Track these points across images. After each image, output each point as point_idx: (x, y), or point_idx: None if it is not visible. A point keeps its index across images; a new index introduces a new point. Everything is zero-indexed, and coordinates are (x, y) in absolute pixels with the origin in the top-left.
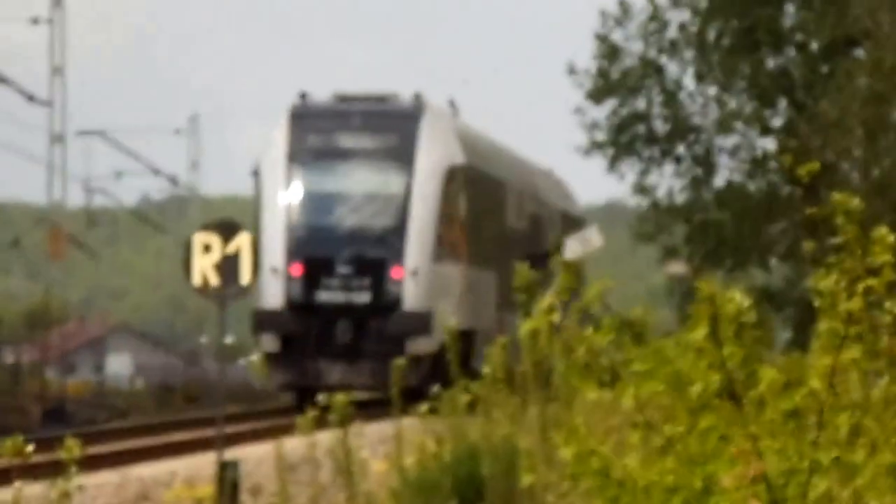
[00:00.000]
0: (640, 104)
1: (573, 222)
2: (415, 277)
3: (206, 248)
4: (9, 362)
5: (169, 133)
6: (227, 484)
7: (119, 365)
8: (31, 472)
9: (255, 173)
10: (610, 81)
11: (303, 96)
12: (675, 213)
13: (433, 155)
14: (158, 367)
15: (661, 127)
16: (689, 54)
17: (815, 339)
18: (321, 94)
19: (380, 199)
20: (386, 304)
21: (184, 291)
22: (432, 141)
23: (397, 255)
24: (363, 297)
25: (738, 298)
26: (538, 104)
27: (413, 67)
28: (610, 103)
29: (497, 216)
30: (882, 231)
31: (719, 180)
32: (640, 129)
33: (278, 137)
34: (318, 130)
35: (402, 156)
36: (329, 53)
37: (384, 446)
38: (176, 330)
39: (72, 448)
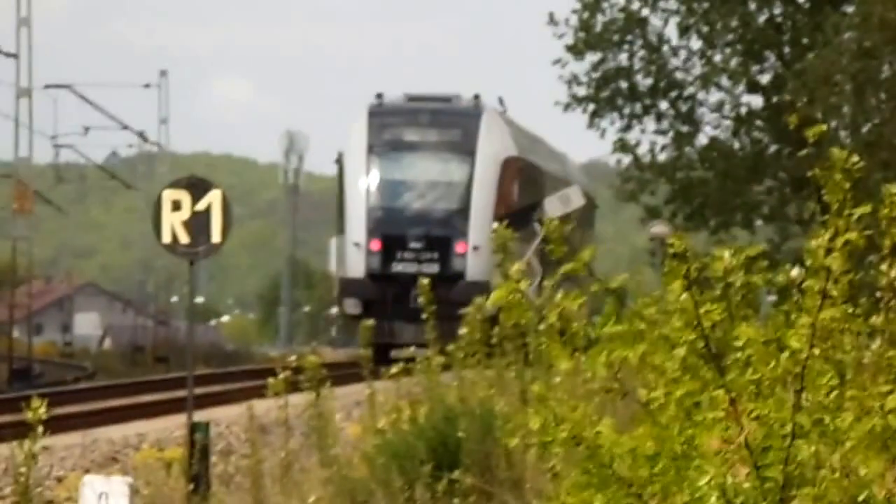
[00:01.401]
0: (622, 58)
1: (588, 200)
2: (476, 252)
3: (176, 206)
4: None
5: (138, 89)
6: (198, 446)
7: (87, 325)
8: (0, 432)
9: (338, 162)
10: (591, 34)
11: (379, 96)
12: (657, 170)
13: (491, 148)
14: (127, 328)
15: (643, 82)
16: (673, 4)
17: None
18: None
19: (446, 186)
20: (451, 274)
21: (154, 250)
22: (490, 136)
23: (461, 234)
24: (432, 269)
25: (725, 257)
26: (516, 55)
27: (392, 15)
28: (591, 57)
29: (539, 198)
30: (892, 188)
31: (703, 138)
32: (622, 84)
33: (358, 131)
34: (392, 126)
35: (465, 148)
36: (300, 7)
37: (358, 409)
38: (145, 290)
39: (37, 409)
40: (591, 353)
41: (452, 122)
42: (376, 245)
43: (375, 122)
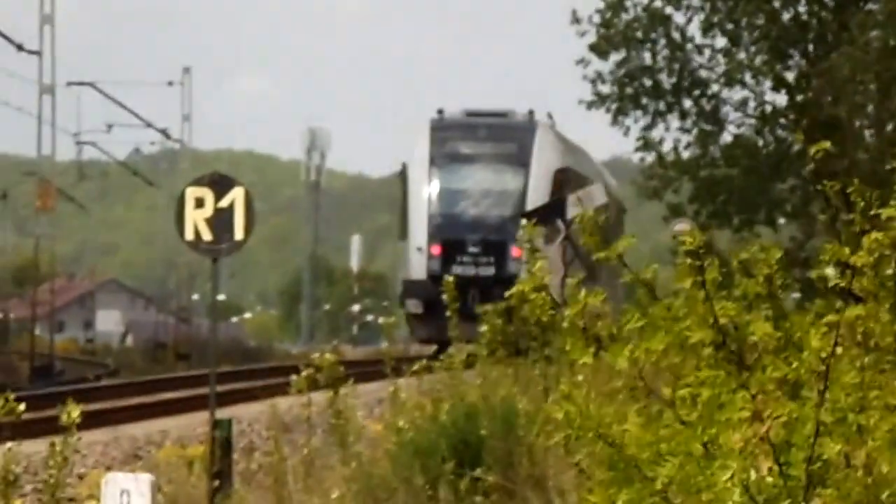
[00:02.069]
0: (646, 56)
1: (619, 204)
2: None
3: (199, 203)
4: None
5: (160, 86)
6: (220, 443)
7: (109, 322)
8: (23, 429)
9: (401, 173)
10: (614, 33)
11: (440, 112)
12: (680, 168)
13: (544, 160)
14: (149, 325)
15: (666, 80)
16: (697, 2)
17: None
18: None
19: (502, 194)
20: (507, 276)
21: (175, 247)
22: (543, 148)
23: (516, 239)
24: (488, 271)
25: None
26: (539, 54)
27: (413, 13)
28: (615, 56)
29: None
30: None
31: (727, 136)
32: (646, 81)
33: (421, 144)
34: (452, 139)
35: (520, 160)
36: (323, 5)
37: (380, 407)
38: (167, 287)
39: (72, 412)
40: (614, 347)
41: (508, 136)
42: (437, 249)
43: (437, 135)
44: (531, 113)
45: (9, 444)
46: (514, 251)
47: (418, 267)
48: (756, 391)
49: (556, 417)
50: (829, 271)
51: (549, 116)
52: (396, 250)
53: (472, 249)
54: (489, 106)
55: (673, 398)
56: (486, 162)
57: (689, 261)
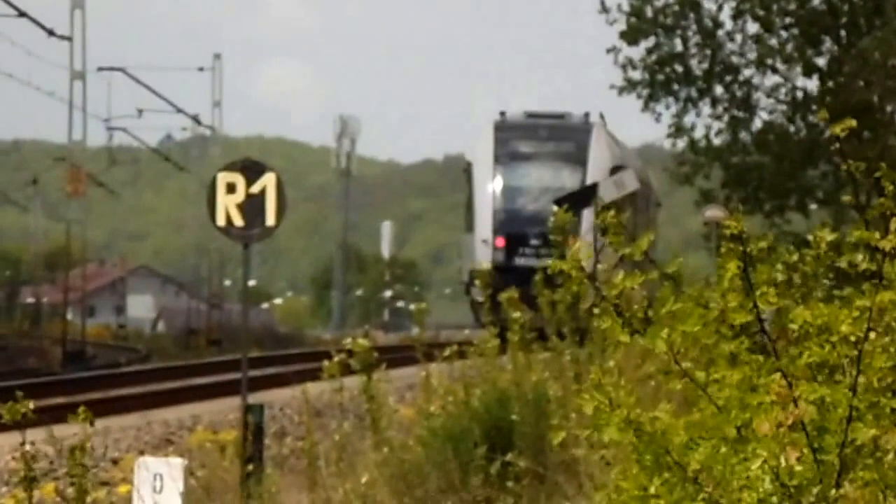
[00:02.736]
0: (677, 43)
1: (651, 194)
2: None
3: (231, 188)
4: (28, 302)
5: (191, 72)
6: (252, 428)
7: (140, 308)
8: (56, 414)
9: (466, 171)
10: (644, 20)
11: (502, 114)
12: (712, 154)
13: (599, 158)
14: (180, 311)
15: (698, 66)
16: None
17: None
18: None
19: (561, 191)
20: None
21: (206, 233)
22: (598, 148)
23: (574, 231)
24: (548, 262)
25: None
26: (569, 41)
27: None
28: (645, 42)
29: (632, 198)
30: None
31: (758, 122)
32: (677, 68)
33: (485, 144)
34: (514, 139)
35: (578, 158)
36: None
37: (411, 392)
38: (198, 273)
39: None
40: (651, 329)
41: (566, 136)
42: (501, 242)
43: (500, 136)
44: (587, 115)
45: (28, 442)
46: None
47: (483, 257)
48: (790, 376)
49: (586, 409)
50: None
51: (601, 117)
52: (462, 242)
53: (533, 242)
54: (539, 108)
55: (707, 381)
56: (546, 160)
57: (731, 245)
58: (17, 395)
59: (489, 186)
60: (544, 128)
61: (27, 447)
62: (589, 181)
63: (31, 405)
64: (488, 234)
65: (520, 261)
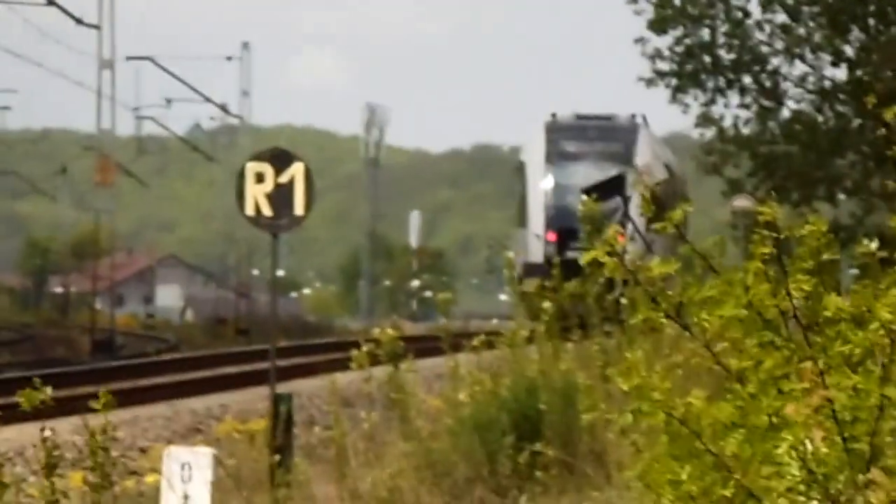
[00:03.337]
0: (705, 33)
1: (680, 185)
2: (632, 242)
3: (259, 178)
4: (57, 291)
5: (219, 61)
6: (281, 418)
7: (168, 297)
8: (84, 404)
9: (519, 169)
10: (672, 9)
11: (553, 115)
12: (740, 144)
13: (645, 157)
14: (209, 300)
15: (725, 56)
16: None
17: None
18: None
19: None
20: None
21: (235, 223)
22: (644, 147)
23: (621, 227)
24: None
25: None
26: (597, 32)
27: None
28: (673, 33)
29: (672, 192)
30: None
31: (786, 112)
32: (705, 58)
33: (537, 144)
34: (565, 139)
35: (625, 157)
36: None
37: (439, 382)
38: (226, 262)
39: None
40: (684, 314)
41: (614, 137)
42: (552, 236)
43: (551, 136)
44: (633, 116)
45: (48, 428)
46: (619, 238)
47: (536, 251)
48: (823, 364)
49: (620, 389)
50: (873, 246)
51: (644, 119)
52: (514, 236)
53: (583, 237)
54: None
55: (740, 369)
56: (595, 159)
57: (765, 232)
58: (35, 382)
59: (541, 184)
60: (593, 129)
61: (47, 433)
62: (635, 178)
63: (56, 394)
64: (540, 229)
65: (570, 254)
